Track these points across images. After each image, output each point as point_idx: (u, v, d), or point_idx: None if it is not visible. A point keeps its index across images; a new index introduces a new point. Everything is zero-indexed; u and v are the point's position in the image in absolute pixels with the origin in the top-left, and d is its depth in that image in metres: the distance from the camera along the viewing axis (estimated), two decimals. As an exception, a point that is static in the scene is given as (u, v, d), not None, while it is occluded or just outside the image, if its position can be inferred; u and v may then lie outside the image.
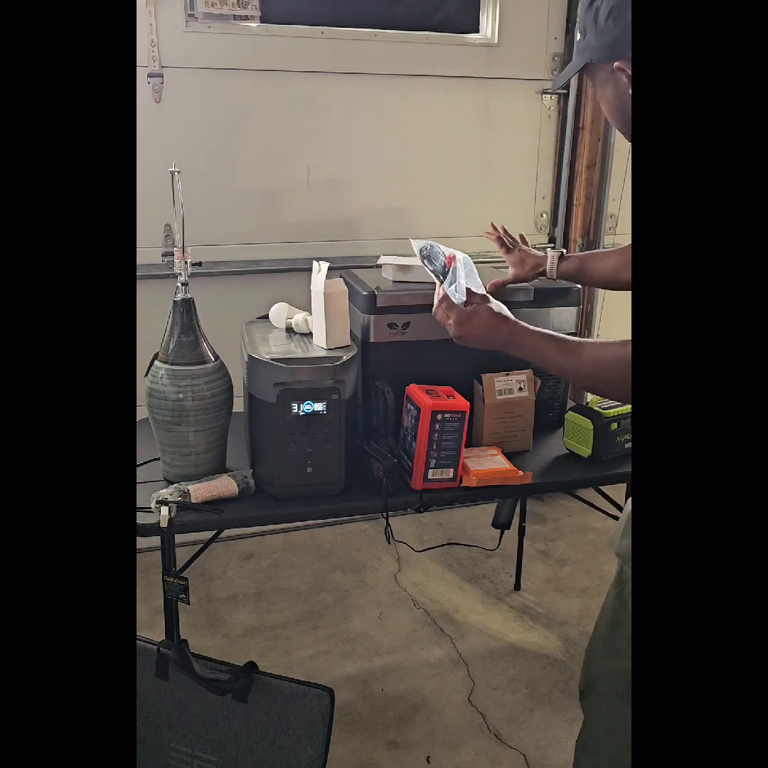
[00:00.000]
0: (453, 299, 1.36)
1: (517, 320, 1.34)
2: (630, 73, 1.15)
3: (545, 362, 1.27)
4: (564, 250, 1.76)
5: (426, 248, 1.45)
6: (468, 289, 1.39)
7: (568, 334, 1.87)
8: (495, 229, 1.84)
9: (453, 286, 1.38)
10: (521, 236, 1.86)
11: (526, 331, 1.29)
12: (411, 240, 1.48)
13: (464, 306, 1.36)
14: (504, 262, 1.85)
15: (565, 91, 2.74)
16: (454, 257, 1.43)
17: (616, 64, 1.16)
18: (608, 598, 1.25)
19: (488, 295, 1.42)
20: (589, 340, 1.25)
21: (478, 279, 1.48)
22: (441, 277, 1.40)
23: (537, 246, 2.85)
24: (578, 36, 1.23)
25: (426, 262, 1.43)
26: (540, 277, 1.78)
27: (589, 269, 1.74)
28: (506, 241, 1.81)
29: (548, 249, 1.79)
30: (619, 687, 1.18)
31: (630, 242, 1.63)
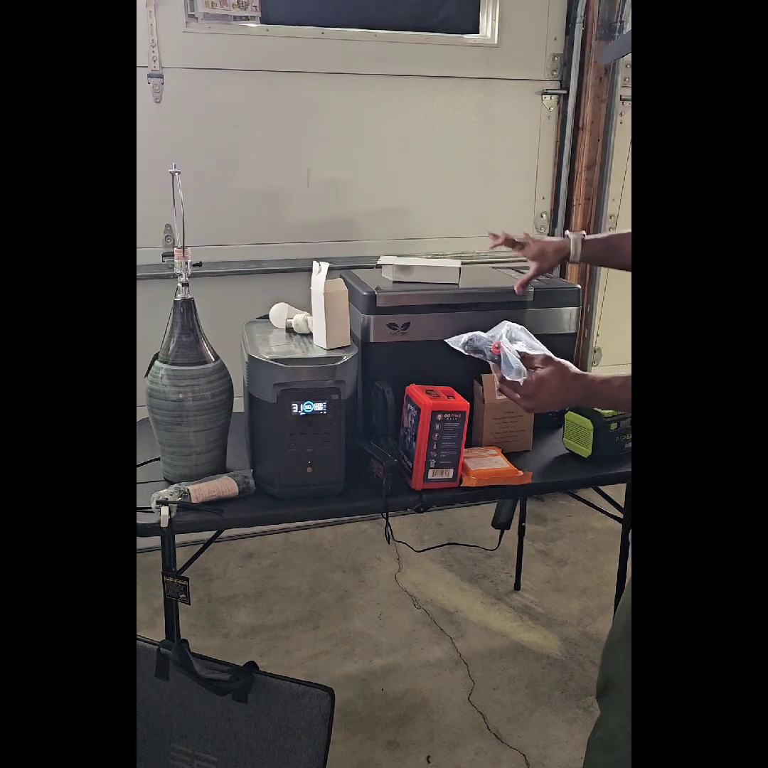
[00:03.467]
0: (514, 379, 1.29)
1: (584, 373, 1.28)
2: None
3: (628, 406, 1.21)
4: (584, 233, 1.66)
5: (468, 343, 1.38)
6: (524, 356, 1.32)
7: (568, 335, 1.89)
8: (496, 236, 1.73)
9: (511, 372, 1.30)
10: (525, 234, 1.79)
11: (599, 382, 1.25)
12: (448, 341, 1.41)
13: (528, 373, 1.29)
14: (505, 261, 1.84)
15: (565, 91, 2.74)
16: (500, 344, 1.34)
17: None
18: (627, 599, 1.25)
19: (549, 354, 1.33)
20: None
21: (531, 339, 1.38)
22: (495, 363, 1.35)
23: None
24: None
25: (477, 355, 1.38)
26: (564, 262, 1.70)
27: (616, 251, 1.64)
28: (516, 240, 1.71)
29: (567, 232, 1.70)
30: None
31: None
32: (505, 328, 1.38)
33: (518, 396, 1.30)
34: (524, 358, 1.31)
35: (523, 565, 2.51)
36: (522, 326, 1.39)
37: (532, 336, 1.38)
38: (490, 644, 2.26)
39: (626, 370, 1.15)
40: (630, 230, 1.81)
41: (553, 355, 1.32)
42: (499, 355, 1.32)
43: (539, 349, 1.35)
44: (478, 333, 1.38)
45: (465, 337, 1.38)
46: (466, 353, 1.39)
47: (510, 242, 1.70)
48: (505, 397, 1.36)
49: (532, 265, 1.70)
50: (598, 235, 1.72)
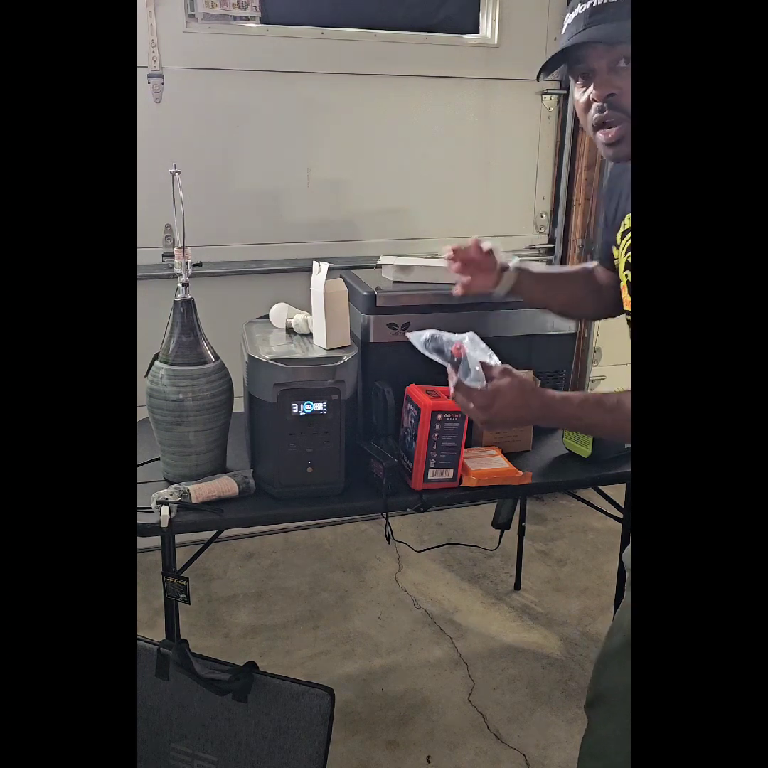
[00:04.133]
0: (471, 384, 1.21)
1: (544, 389, 1.21)
2: None
3: (589, 428, 1.16)
4: (519, 261, 1.47)
5: (429, 341, 1.28)
6: (483, 364, 1.22)
7: (567, 335, 1.89)
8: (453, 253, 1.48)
9: (469, 377, 1.22)
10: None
11: (559, 399, 1.17)
12: (409, 335, 1.31)
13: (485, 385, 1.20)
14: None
15: (565, 92, 2.74)
16: (461, 346, 1.25)
17: None
18: (622, 616, 1.24)
19: (508, 366, 1.23)
20: (626, 390, 1.11)
21: (493, 357, 1.27)
22: (453, 365, 1.25)
23: (537, 246, 2.88)
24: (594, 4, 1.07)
25: (436, 354, 1.28)
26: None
27: (547, 291, 1.50)
28: (469, 255, 1.47)
29: (512, 262, 1.48)
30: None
31: (585, 266, 1.51)
32: (469, 336, 1.27)
33: (472, 405, 1.20)
34: (483, 367, 1.22)
35: (523, 565, 2.51)
36: (485, 346, 1.27)
37: (494, 355, 1.26)
38: (490, 644, 2.26)
39: (626, 370, 1.14)
40: (566, 271, 1.57)
41: (513, 369, 1.22)
42: (459, 358, 1.23)
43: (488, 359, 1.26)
44: (441, 332, 1.28)
45: (427, 333, 1.29)
46: (427, 352, 1.28)
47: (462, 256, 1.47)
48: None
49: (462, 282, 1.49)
50: (533, 271, 1.49)
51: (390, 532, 1.58)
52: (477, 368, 1.21)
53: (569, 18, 1.15)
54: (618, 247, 1.30)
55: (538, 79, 1.23)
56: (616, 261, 1.32)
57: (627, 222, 1.27)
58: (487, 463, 1.62)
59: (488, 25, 2.66)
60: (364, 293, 1.68)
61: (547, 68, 1.21)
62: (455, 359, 1.24)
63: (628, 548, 1.26)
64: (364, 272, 1.85)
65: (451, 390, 1.24)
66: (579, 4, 1.12)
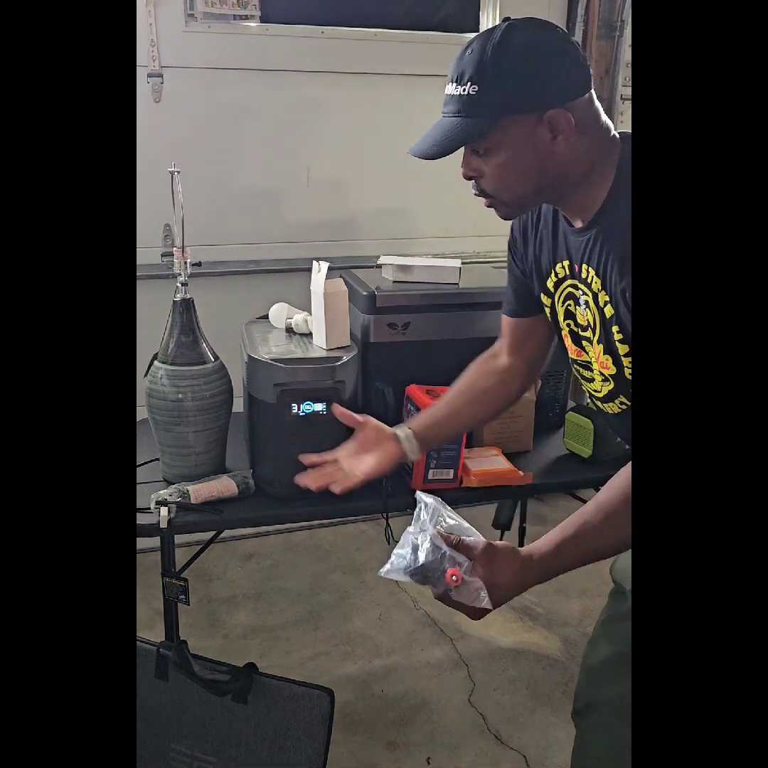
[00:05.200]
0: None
1: (530, 554, 1.06)
2: (562, 124, 0.99)
3: (592, 559, 1.03)
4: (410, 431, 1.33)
5: (415, 575, 1.11)
6: (461, 544, 1.05)
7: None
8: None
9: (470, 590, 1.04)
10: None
11: (546, 556, 1.05)
12: (382, 573, 1.13)
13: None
14: (502, 261, 1.83)
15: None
16: (456, 572, 1.06)
17: (549, 112, 0.99)
18: (615, 624, 1.24)
19: (487, 548, 1.06)
20: (600, 499, 1.02)
21: (451, 512, 1.08)
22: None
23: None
24: (470, 88, 1.04)
25: (426, 584, 1.11)
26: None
27: (450, 422, 1.37)
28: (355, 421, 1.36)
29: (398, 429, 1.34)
30: (624, 712, 0.94)
31: (473, 373, 1.36)
32: (430, 515, 1.07)
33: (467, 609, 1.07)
34: (460, 547, 1.04)
35: (523, 565, 2.51)
36: (436, 500, 1.08)
37: (451, 509, 1.09)
38: (491, 645, 2.25)
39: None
40: (451, 395, 1.37)
41: (493, 543, 1.07)
42: (462, 582, 1.05)
43: (467, 529, 1.08)
44: (419, 559, 1.07)
45: (401, 567, 1.11)
46: (415, 583, 1.11)
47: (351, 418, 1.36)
48: None
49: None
50: (422, 421, 1.37)
51: (390, 533, 1.57)
52: (475, 580, 1.03)
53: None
54: (552, 296, 1.22)
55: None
56: (547, 309, 1.25)
57: (559, 270, 1.18)
58: (488, 464, 1.62)
59: (488, 24, 2.66)
60: (364, 293, 1.67)
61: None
62: (454, 588, 1.07)
63: (619, 563, 1.26)
64: (364, 272, 1.85)
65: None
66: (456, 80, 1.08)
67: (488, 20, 2.66)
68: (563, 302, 1.20)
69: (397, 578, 1.11)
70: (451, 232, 2.73)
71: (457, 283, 1.77)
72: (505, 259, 1.68)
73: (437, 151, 1.15)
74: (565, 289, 1.19)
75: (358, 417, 1.36)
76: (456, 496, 1.59)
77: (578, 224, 1.12)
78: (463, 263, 1.81)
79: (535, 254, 1.25)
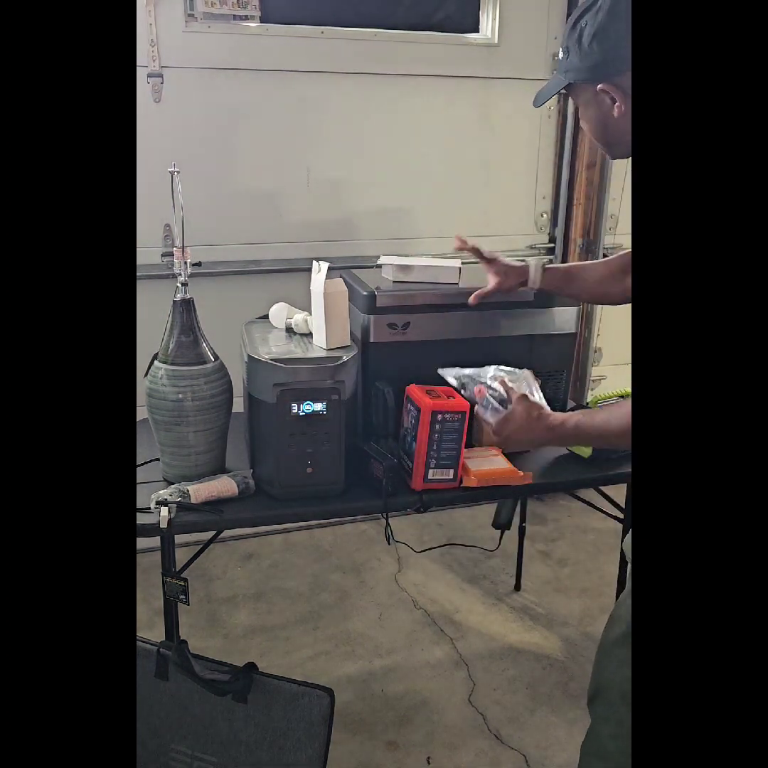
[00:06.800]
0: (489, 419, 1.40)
1: (551, 412, 1.33)
2: (614, 96, 1.16)
3: (594, 439, 1.27)
4: (551, 258, 1.72)
5: (459, 379, 1.48)
6: (507, 390, 1.40)
7: (567, 335, 1.88)
8: (463, 241, 1.66)
9: (487, 411, 1.41)
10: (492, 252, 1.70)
11: (563, 421, 1.29)
12: (440, 371, 1.51)
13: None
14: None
15: (565, 92, 2.74)
16: (482, 389, 1.44)
17: (599, 86, 1.17)
18: (622, 607, 1.24)
19: (526, 394, 1.39)
20: (618, 403, 1.24)
21: (535, 386, 1.46)
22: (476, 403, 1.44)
23: (538, 246, 2.87)
24: (561, 54, 1.23)
25: (463, 390, 1.47)
26: (521, 288, 1.66)
27: (575, 281, 1.66)
28: (484, 253, 1.65)
29: (531, 258, 1.68)
30: (630, 696, 1.13)
31: (617, 254, 1.62)
32: (491, 371, 1.45)
33: (490, 429, 1.40)
34: (507, 393, 1.40)
35: (523, 565, 2.51)
36: (511, 368, 1.48)
37: (537, 390, 1.44)
38: (491, 645, 2.25)
39: (626, 370, 1.15)
40: (590, 262, 1.76)
41: (530, 396, 1.38)
42: (482, 398, 1.42)
43: (526, 390, 1.41)
44: (469, 373, 1.47)
45: (455, 373, 1.48)
46: (456, 388, 1.48)
47: (476, 251, 1.65)
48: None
49: (493, 281, 1.65)
50: (560, 265, 1.72)
51: (390, 533, 1.58)
52: (492, 402, 1.40)
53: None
54: None
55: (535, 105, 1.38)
56: None
57: None
58: (488, 464, 1.62)
59: (488, 24, 2.66)
60: (364, 293, 1.67)
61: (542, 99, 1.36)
62: (478, 400, 1.43)
63: (629, 537, 1.26)
64: (364, 272, 1.85)
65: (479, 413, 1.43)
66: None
67: (488, 20, 2.66)
68: None
69: (444, 375, 1.51)
70: (451, 232, 2.73)
71: (457, 283, 1.77)
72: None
73: (534, 101, 1.36)
74: None
75: (486, 253, 1.64)
76: (456, 496, 1.59)
77: None
78: (463, 263, 1.81)
79: None
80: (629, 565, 1.28)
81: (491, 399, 1.40)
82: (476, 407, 1.43)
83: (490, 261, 1.65)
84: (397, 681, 2.10)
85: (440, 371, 1.50)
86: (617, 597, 2.08)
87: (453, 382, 1.48)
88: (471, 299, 1.65)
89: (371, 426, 1.66)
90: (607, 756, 1.25)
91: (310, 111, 2.50)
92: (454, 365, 1.52)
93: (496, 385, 1.42)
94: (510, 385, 1.41)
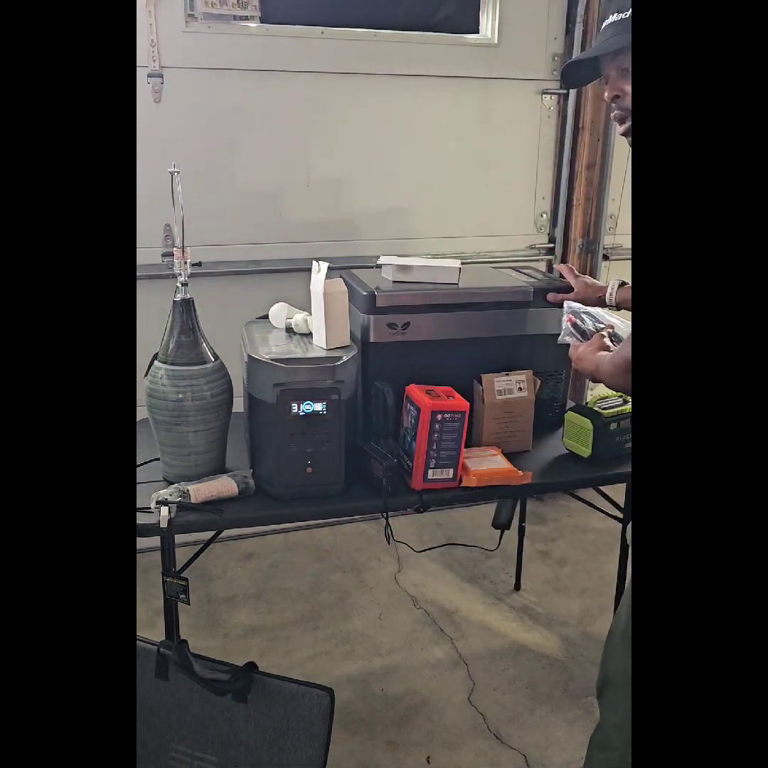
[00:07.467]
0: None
1: (601, 354, 1.41)
2: None
3: (620, 368, 1.32)
4: (624, 281, 1.79)
5: (577, 313, 1.62)
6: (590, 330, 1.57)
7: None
8: (569, 269, 1.92)
9: (567, 336, 1.58)
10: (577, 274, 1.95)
11: (606, 362, 1.37)
12: (568, 304, 1.66)
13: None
14: (505, 261, 1.86)
15: (565, 91, 2.74)
16: (571, 318, 1.62)
17: None
18: (630, 594, 1.24)
19: (603, 334, 1.50)
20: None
21: (612, 318, 1.61)
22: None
23: (537, 246, 2.88)
24: (616, 16, 1.21)
25: (577, 322, 1.61)
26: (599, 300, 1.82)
27: None
28: (575, 272, 1.90)
29: (612, 279, 1.85)
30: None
31: None
32: (601, 313, 1.64)
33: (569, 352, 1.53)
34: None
35: (523, 565, 2.51)
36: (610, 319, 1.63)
37: (611, 314, 1.62)
38: (491, 644, 2.26)
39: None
40: None
41: (605, 335, 1.49)
42: (573, 323, 1.60)
43: (615, 326, 1.56)
44: (583, 314, 1.63)
45: (577, 307, 1.64)
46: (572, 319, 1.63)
47: (571, 271, 1.89)
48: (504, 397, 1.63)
49: (577, 289, 1.85)
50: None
51: (390, 533, 1.58)
52: (570, 328, 1.58)
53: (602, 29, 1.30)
54: None
55: (562, 85, 1.42)
56: None
57: None
58: (487, 463, 1.62)
59: (488, 24, 2.66)
60: (364, 293, 1.67)
61: (570, 74, 1.41)
62: (569, 326, 1.60)
63: (630, 526, 1.26)
64: (364, 272, 1.85)
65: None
66: (604, 19, 1.28)
67: (488, 20, 2.66)
68: None
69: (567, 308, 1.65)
70: (451, 232, 2.73)
71: (456, 283, 1.77)
72: (505, 259, 1.71)
73: (583, 54, 1.35)
74: None
75: (577, 272, 1.89)
76: (456, 496, 1.59)
77: None
78: (463, 263, 1.81)
79: None
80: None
81: (572, 328, 1.58)
82: (564, 325, 1.60)
83: (578, 276, 1.88)
84: (396, 681, 2.10)
85: (566, 304, 1.65)
86: (616, 599, 2.08)
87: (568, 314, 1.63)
88: (549, 296, 1.81)
89: (371, 426, 1.67)
90: (610, 747, 1.25)
91: (310, 111, 2.50)
92: (453, 365, 1.51)
93: (588, 319, 1.59)
94: (603, 327, 1.55)
